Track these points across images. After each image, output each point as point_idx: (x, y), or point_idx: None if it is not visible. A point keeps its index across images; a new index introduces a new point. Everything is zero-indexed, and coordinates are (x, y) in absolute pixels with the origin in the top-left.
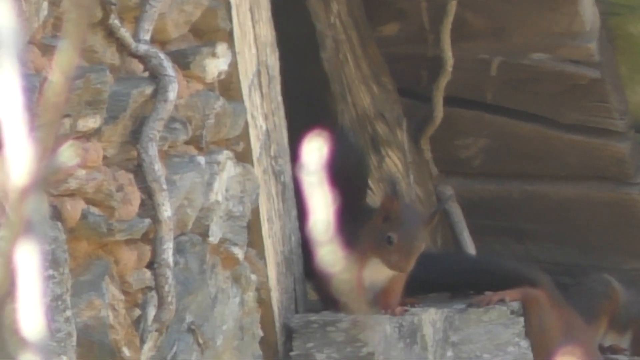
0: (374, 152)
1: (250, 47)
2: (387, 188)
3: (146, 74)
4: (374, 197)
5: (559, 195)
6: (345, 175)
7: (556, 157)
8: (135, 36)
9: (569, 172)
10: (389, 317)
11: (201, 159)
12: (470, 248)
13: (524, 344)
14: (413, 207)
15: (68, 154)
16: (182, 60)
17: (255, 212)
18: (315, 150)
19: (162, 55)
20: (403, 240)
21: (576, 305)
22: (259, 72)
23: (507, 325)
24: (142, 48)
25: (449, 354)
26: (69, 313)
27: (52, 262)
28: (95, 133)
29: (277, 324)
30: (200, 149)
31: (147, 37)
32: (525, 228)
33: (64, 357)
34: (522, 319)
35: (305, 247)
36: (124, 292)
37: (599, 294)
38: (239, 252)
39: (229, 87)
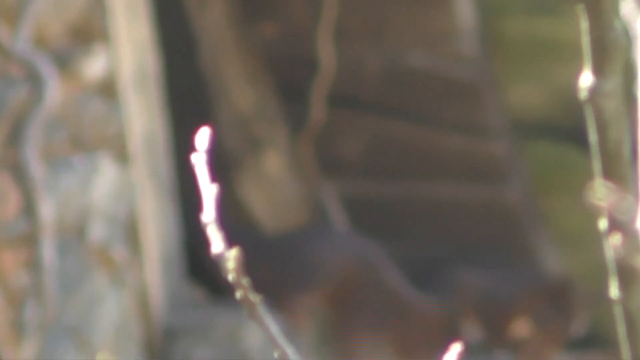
0: (252, 152)
1: (129, 48)
2: None
3: (23, 75)
4: (250, 199)
5: (435, 196)
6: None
7: (435, 158)
8: (13, 36)
9: (447, 173)
10: None
11: (79, 160)
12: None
13: None
14: None
15: None
16: (60, 61)
17: (134, 212)
18: (200, 146)
19: (38, 56)
20: None
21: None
22: (138, 72)
23: None
24: (19, 49)
25: None
26: None
27: None
28: None
29: (157, 325)
30: (78, 150)
31: (25, 37)
32: (407, 229)
33: None
34: None
35: (193, 245)
36: (3, 293)
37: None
38: (117, 253)
39: (107, 87)
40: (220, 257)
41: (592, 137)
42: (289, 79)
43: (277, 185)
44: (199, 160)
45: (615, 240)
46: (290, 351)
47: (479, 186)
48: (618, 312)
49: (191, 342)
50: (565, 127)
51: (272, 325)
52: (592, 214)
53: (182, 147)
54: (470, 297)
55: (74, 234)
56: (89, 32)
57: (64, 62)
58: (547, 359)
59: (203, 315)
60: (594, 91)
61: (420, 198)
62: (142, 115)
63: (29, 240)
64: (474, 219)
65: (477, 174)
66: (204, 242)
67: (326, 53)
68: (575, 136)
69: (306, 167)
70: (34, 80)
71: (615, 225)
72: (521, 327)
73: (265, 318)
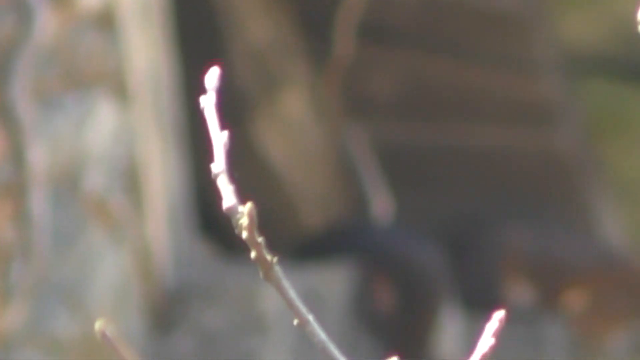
0: (269, 92)
1: None
2: None
3: (9, 4)
4: (266, 145)
5: (477, 141)
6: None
7: (477, 98)
8: None
9: (489, 115)
10: None
11: (73, 99)
12: (380, 203)
13: None
14: None
15: None
16: None
17: (136, 159)
18: (210, 85)
19: None
20: None
21: (477, 271)
22: (139, 1)
23: None
24: None
25: None
26: None
27: None
28: None
29: (162, 287)
30: (72, 88)
31: None
32: (443, 178)
33: None
34: None
35: (203, 196)
36: None
37: (492, 260)
38: (116, 205)
39: (105, 17)
40: (232, 212)
41: None
42: (311, 8)
43: (297, 129)
44: (209, 101)
45: None
46: (310, 317)
47: (527, 131)
48: None
49: (200, 305)
50: (625, 63)
51: (290, 289)
52: None
53: (191, 85)
54: (521, 258)
55: (67, 183)
56: None
57: None
58: (602, 337)
59: (214, 276)
60: None
61: (460, 144)
62: (144, 49)
63: (16, 190)
64: (522, 168)
65: (524, 116)
66: (216, 193)
67: None
68: (636, 73)
69: (331, 109)
70: (22, 10)
71: None
72: (577, 299)
73: (282, 280)
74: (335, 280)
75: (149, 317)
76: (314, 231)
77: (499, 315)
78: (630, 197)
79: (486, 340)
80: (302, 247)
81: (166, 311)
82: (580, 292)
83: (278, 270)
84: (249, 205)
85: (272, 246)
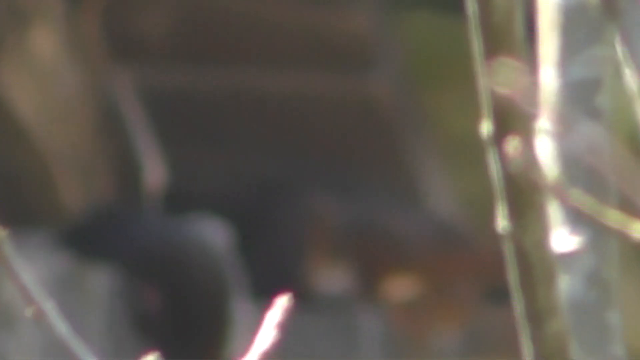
0: (16, 28)
1: None
2: None
3: None
4: (13, 90)
5: (273, 88)
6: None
7: (270, 36)
8: None
9: (288, 56)
10: None
11: None
12: (152, 166)
13: None
14: None
15: None
16: None
17: None
18: None
19: None
20: None
21: (274, 250)
22: None
23: None
24: None
25: None
26: None
27: None
28: None
29: None
30: None
31: None
32: (229, 133)
33: None
34: None
35: None
36: None
37: (294, 237)
38: None
39: None
40: None
41: (471, 5)
42: None
43: (50, 74)
44: None
45: (512, 148)
46: (50, 306)
47: (335, 75)
48: (508, 250)
49: None
50: None
51: (25, 271)
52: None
53: None
54: (329, 235)
55: None
56: None
57: None
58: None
59: None
60: None
61: (253, 93)
62: None
63: None
64: (330, 121)
65: (332, 58)
66: None
67: None
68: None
69: (90, 49)
70: None
71: (513, 125)
72: (401, 286)
73: (14, 259)
74: (101, 270)
75: None
76: (75, 215)
77: (283, 302)
78: (459, 159)
79: (267, 333)
80: (61, 232)
81: None
82: (405, 278)
83: (8, 246)
84: None
85: (23, 220)
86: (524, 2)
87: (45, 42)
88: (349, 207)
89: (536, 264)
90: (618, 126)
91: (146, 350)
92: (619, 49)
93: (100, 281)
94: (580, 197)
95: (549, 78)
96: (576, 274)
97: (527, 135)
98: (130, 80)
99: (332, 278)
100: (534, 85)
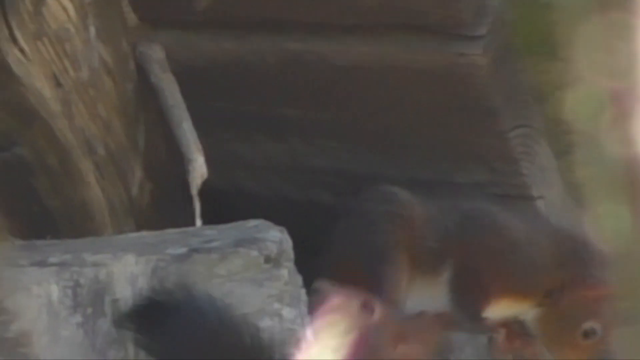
0: None
1: None
2: None
3: None
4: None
5: (342, 59)
6: None
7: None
8: None
9: (358, 19)
10: (55, 271)
11: None
12: (193, 151)
13: (289, 313)
14: None
15: None
16: None
17: None
18: None
19: None
20: None
21: (351, 247)
22: None
23: (261, 283)
24: None
25: None
26: None
27: None
28: None
29: None
30: None
31: None
32: (286, 113)
33: None
34: (282, 272)
35: None
36: None
37: (380, 218)
38: None
39: None
40: None
41: None
42: None
43: (71, 42)
44: None
45: None
46: None
47: (419, 41)
48: None
49: None
50: None
51: None
52: None
53: None
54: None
55: None
56: None
57: None
58: None
59: None
60: None
61: (315, 63)
62: None
63: None
64: (413, 96)
65: (416, 21)
66: None
67: None
68: None
69: (119, 14)
70: None
71: None
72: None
73: None
74: None
75: None
76: None
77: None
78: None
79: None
80: None
81: None
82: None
83: None
84: None
85: None
86: None
87: (64, 6)
88: (442, 204)
89: None
90: None
91: None
92: None
93: None
94: None
95: None
96: None
97: None
98: (164, 50)
99: (423, 294)
100: None
